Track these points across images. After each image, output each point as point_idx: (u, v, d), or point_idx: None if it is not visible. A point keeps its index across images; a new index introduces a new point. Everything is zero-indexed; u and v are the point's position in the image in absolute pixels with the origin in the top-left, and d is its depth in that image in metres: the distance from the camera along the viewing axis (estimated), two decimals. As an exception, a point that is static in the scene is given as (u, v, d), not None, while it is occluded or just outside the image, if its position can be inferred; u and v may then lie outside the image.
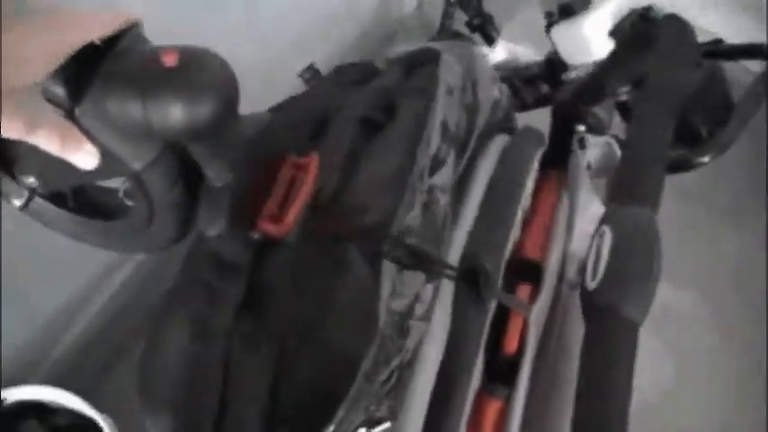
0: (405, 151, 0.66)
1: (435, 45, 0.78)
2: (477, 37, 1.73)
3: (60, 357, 1.35)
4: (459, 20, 1.80)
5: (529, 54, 1.55)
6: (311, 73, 1.33)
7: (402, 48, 0.85)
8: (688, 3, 1.10)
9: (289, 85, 0.94)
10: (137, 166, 0.54)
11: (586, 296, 0.52)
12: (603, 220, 0.55)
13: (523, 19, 1.81)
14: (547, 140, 0.86)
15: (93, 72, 0.49)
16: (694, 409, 1.55)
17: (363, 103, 0.71)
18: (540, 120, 0.94)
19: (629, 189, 0.56)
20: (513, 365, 0.67)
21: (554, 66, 1.31)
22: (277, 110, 0.73)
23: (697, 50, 0.65)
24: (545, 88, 1.38)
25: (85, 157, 0.53)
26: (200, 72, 0.50)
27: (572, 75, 1.25)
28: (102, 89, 0.49)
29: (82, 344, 1.38)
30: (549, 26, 1.23)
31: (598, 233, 0.55)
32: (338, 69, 0.81)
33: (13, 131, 0.48)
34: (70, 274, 1.31)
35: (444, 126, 0.69)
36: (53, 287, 1.28)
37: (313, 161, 0.61)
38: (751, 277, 1.74)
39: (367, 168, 0.66)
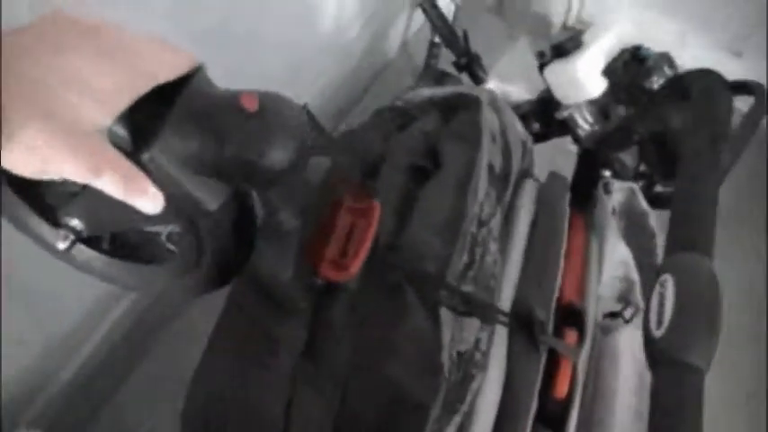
0: (456, 200, 0.67)
1: (470, 90, 0.79)
2: (464, 77, 1.76)
3: (53, 397, 1.32)
4: (447, 59, 1.82)
5: (518, 92, 1.57)
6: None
7: (428, 91, 0.86)
8: (671, 43, 1.14)
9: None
10: (212, 206, 0.53)
11: (652, 344, 0.53)
12: (665, 269, 0.56)
13: (511, 58, 1.85)
14: (569, 184, 0.88)
15: (159, 115, 0.48)
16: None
17: (408, 149, 0.72)
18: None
19: (686, 238, 0.58)
20: (560, 411, 0.67)
21: (546, 104, 1.34)
22: (319, 152, 0.73)
23: (730, 99, 0.67)
24: (536, 127, 1.40)
25: (151, 201, 0.50)
26: (279, 117, 0.50)
27: (565, 114, 1.27)
28: (180, 132, 0.49)
29: (70, 389, 1.35)
30: (541, 66, 1.25)
31: (659, 282, 0.56)
32: (377, 114, 0.82)
33: (76, 173, 0.44)
34: (62, 313, 1.28)
35: (491, 170, 0.70)
36: (46, 325, 1.25)
37: (375, 207, 0.61)
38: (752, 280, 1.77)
39: (420, 216, 0.66)
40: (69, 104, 0.42)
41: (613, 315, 0.82)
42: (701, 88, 0.68)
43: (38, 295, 1.13)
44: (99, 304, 1.34)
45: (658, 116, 0.80)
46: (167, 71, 0.47)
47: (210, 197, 0.53)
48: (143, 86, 0.46)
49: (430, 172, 0.72)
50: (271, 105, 0.49)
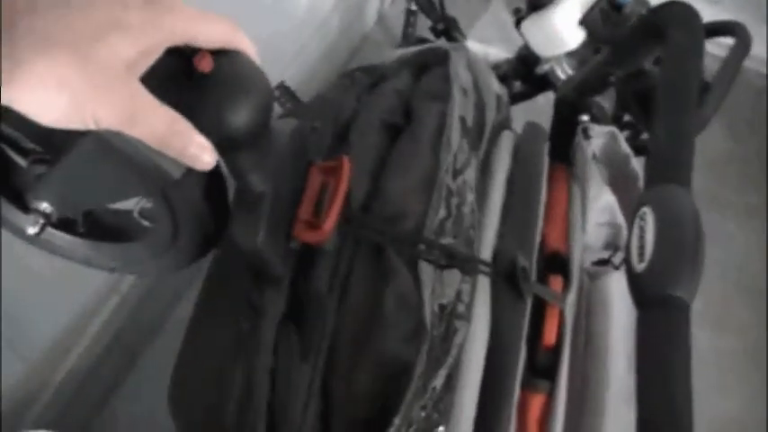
0: (429, 154, 0.66)
1: (441, 45, 0.78)
2: (442, 41, 1.74)
3: (51, 399, 1.32)
4: (423, 26, 1.81)
5: (498, 53, 1.56)
6: (282, 91, 1.32)
7: (399, 51, 0.85)
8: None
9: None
10: (176, 173, 0.50)
11: (635, 279, 0.52)
12: (643, 202, 0.55)
13: (489, 19, 1.83)
14: (547, 133, 0.87)
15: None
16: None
17: (380, 108, 0.71)
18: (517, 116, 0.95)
19: (663, 169, 0.57)
20: (551, 359, 0.67)
21: (526, 61, 1.32)
22: (296, 116, 0.72)
23: (701, 30, 0.66)
24: (518, 85, 1.39)
25: (200, 151, 0.46)
26: (236, 77, 0.48)
27: (545, 67, 1.26)
28: None
29: (72, 383, 1.35)
30: (518, 22, 1.24)
31: (638, 215, 0.55)
32: (346, 74, 0.81)
33: (110, 117, 0.40)
34: (53, 315, 1.27)
35: (463, 123, 0.69)
36: (40, 328, 1.24)
37: (345, 163, 0.60)
38: (753, 276, 1.77)
39: (394, 173, 0.65)
40: (98, 37, 0.39)
41: (602, 263, 0.81)
42: (672, 22, 0.67)
43: (22, 301, 1.13)
44: (89, 304, 1.34)
45: (633, 56, 0.78)
46: (205, 32, 0.45)
47: (174, 164, 0.51)
48: (177, 35, 0.43)
49: (402, 129, 0.70)
50: (227, 65, 0.47)
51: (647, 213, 0.53)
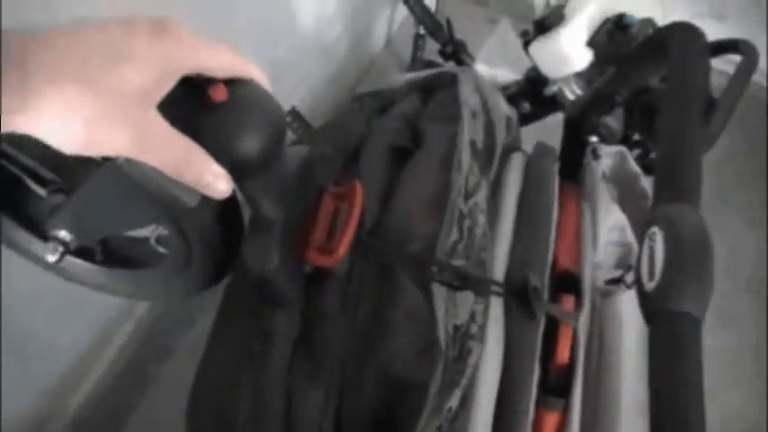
0: (439, 176, 0.67)
1: (449, 69, 0.79)
2: (451, 65, 1.76)
3: (67, 424, 1.32)
4: (432, 49, 1.82)
5: (506, 75, 1.57)
6: (293, 116, 1.34)
7: (408, 75, 0.86)
8: (651, 10, 1.13)
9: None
10: (191, 203, 0.50)
11: (646, 298, 0.53)
12: (652, 222, 0.56)
13: (496, 41, 1.84)
14: (558, 154, 0.88)
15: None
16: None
17: (389, 132, 0.72)
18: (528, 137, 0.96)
19: (671, 188, 0.57)
20: (564, 377, 0.67)
21: (534, 82, 1.34)
22: (307, 144, 0.73)
23: (708, 51, 0.67)
24: (526, 107, 1.40)
25: (215, 180, 0.47)
26: (249, 106, 0.49)
27: (554, 88, 1.27)
28: None
29: (88, 408, 1.35)
30: (526, 44, 1.25)
31: (648, 235, 0.55)
32: (355, 99, 0.82)
33: (125, 144, 0.41)
34: (70, 339, 1.28)
35: (473, 146, 0.70)
36: (54, 351, 1.25)
37: (357, 188, 0.61)
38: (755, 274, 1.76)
39: (403, 195, 0.66)
40: (109, 67, 0.39)
41: (614, 282, 0.82)
42: (675, 41, 0.68)
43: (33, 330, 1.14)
44: (104, 329, 1.35)
45: (638, 76, 0.79)
46: (213, 61, 0.46)
47: (189, 193, 0.52)
48: (186, 65, 0.44)
49: (411, 152, 0.71)
50: (240, 94, 0.48)
51: (656, 233, 0.54)
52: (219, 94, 0.47)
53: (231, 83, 0.48)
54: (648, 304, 0.53)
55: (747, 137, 1.89)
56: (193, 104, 0.47)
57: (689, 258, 0.51)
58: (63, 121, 0.38)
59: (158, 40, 0.42)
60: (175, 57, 0.43)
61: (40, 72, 0.37)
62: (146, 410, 1.43)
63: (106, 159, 0.47)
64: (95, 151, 0.41)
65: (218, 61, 0.47)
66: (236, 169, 0.49)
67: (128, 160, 0.44)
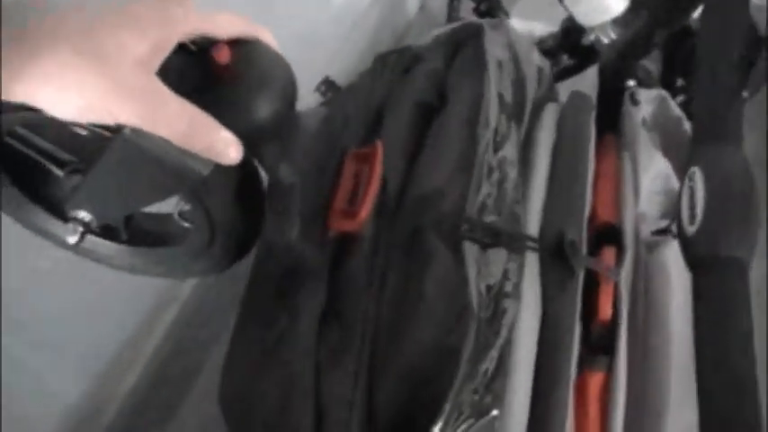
0: (466, 131, 0.64)
1: (475, 20, 0.76)
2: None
3: (117, 409, 1.34)
4: (468, 8, 1.78)
5: (543, 28, 1.52)
6: (327, 86, 1.31)
7: (435, 31, 0.83)
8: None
9: (303, 101, 0.92)
10: (204, 171, 0.49)
11: (688, 242, 0.50)
12: (692, 162, 0.52)
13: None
14: (595, 103, 0.84)
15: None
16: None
17: (415, 89, 0.70)
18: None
19: (710, 128, 0.54)
20: (607, 334, 0.64)
21: (571, 33, 1.29)
22: (327, 105, 0.71)
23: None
24: (565, 59, 1.36)
25: (225, 146, 0.46)
26: (255, 67, 0.47)
27: (591, 38, 1.22)
28: None
29: (137, 394, 1.37)
30: (559, -7, 1.20)
31: (688, 176, 0.52)
32: (379, 58, 0.79)
33: (124, 112, 0.40)
34: (115, 325, 1.29)
35: (501, 99, 0.67)
36: (100, 340, 1.26)
37: (377, 149, 0.59)
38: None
39: (431, 154, 0.64)
40: (107, 33, 0.38)
41: (661, 232, 0.78)
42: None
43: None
44: (146, 317, 1.36)
45: (676, 16, 0.75)
46: (218, 24, 0.45)
47: (200, 161, 0.50)
48: (191, 24, 0.43)
49: (438, 109, 0.69)
50: (245, 55, 0.47)
51: (696, 173, 0.51)
52: (224, 56, 0.45)
53: (235, 44, 0.46)
54: (691, 250, 0.50)
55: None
56: (197, 69, 0.45)
57: (732, 198, 0.48)
58: (59, 92, 0.38)
59: (160, 1, 0.41)
60: (178, 18, 0.42)
61: (38, 39, 0.37)
62: (199, 392, 1.44)
63: (114, 132, 0.46)
64: (96, 120, 0.40)
65: (223, 21, 0.45)
66: (249, 133, 0.48)
67: (134, 131, 0.43)
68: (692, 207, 0.50)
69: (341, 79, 1.25)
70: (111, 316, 1.26)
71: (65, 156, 0.58)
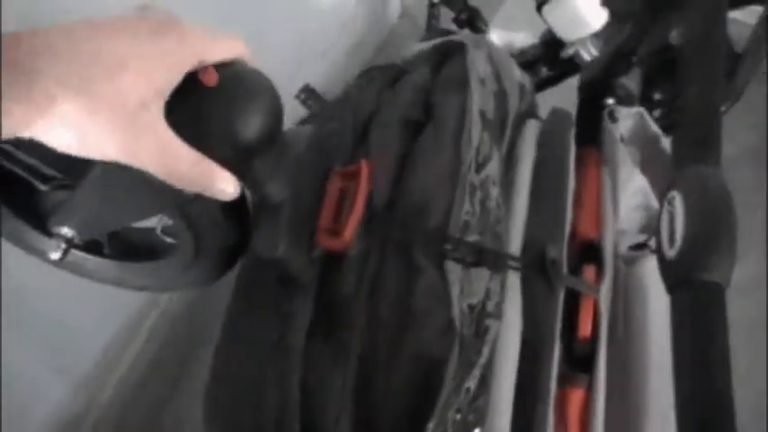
0: (451, 149, 0.65)
1: (457, 37, 0.77)
2: (466, 32, 1.72)
3: (99, 417, 1.33)
4: (447, 18, 1.79)
5: (523, 39, 1.53)
6: (307, 93, 1.31)
7: (418, 45, 0.83)
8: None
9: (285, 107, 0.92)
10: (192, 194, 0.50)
11: (667, 266, 0.51)
12: (671, 186, 0.53)
13: (511, 6, 1.80)
14: (574, 119, 0.85)
15: None
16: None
17: (400, 105, 0.70)
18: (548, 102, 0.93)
19: (690, 149, 0.55)
20: (588, 350, 0.65)
21: (551, 45, 1.30)
22: (310, 121, 0.71)
23: (724, 3, 0.63)
24: (544, 71, 1.37)
25: (222, 184, 0.47)
26: (242, 88, 0.48)
27: (571, 51, 1.23)
28: None
29: (120, 399, 1.36)
30: (539, 6, 1.21)
31: (667, 200, 0.53)
32: (364, 74, 0.80)
33: (117, 153, 0.41)
34: (100, 327, 1.28)
35: (483, 116, 0.68)
36: (85, 341, 1.26)
37: (363, 168, 0.59)
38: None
39: (416, 170, 0.64)
40: (107, 79, 0.39)
41: (639, 247, 0.80)
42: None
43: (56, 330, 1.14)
44: (131, 320, 1.35)
45: (656, 33, 0.76)
46: (215, 52, 0.45)
47: None
48: (189, 63, 0.43)
49: (424, 125, 0.69)
50: (231, 76, 0.47)
51: (675, 197, 0.52)
52: (211, 78, 0.45)
53: (221, 65, 0.46)
54: (670, 273, 0.50)
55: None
56: (185, 92, 0.45)
57: (711, 223, 0.49)
58: (60, 136, 0.38)
59: (161, 42, 0.42)
60: (179, 56, 0.43)
61: (40, 80, 0.37)
62: (182, 397, 1.43)
63: None
64: (95, 157, 0.40)
65: (219, 51, 0.46)
66: (239, 153, 0.48)
67: None
68: (672, 231, 0.50)
69: (323, 84, 1.25)
70: (95, 318, 1.25)
71: (49, 171, 0.58)
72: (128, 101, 0.40)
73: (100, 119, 0.39)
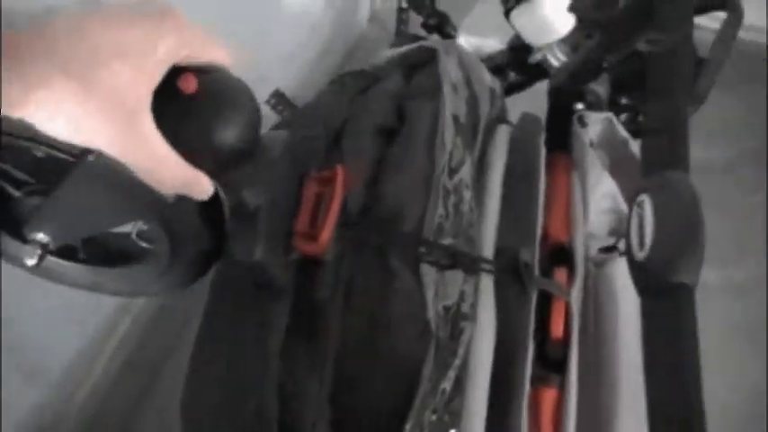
0: (424, 154, 0.65)
1: (429, 43, 0.78)
2: (435, 37, 1.73)
3: (72, 425, 1.32)
4: (416, 23, 1.79)
5: (492, 44, 1.55)
6: (278, 98, 1.31)
7: (389, 51, 0.84)
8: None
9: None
10: (169, 197, 0.50)
11: (637, 269, 0.52)
12: (640, 189, 0.54)
13: (480, 11, 1.82)
14: (544, 124, 0.86)
15: None
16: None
17: (372, 112, 0.71)
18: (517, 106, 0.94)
19: (659, 155, 0.56)
20: (560, 351, 0.66)
21: (519, 51, 1.31)
22: (284, 127, 0.71)
23: (691, 12, 0.65)
24: (512, 76, 1.38)
25: (204, 188, 0.49)
26: (221, 95, 0.48)
27: (538, 56, 1.25)
28: None
29: (92, 407, 1.35)
30: (507, 12, 1.23)
31: (636, 203, 0.54)
32: (336, 81, 0.80)
33: (112, 151, 0.42)
34: (73, 329, 1.27)
35: (456, 120, 0.68)
36: (56, 343, 1.24)
37: (339, 173, 0.60)
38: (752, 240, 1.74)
39: (390, 176, 0.65)
40: (106, 69, 0.39)
41: (608, 249, 0.81)
42: (662, 2, 0.66)
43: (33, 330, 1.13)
44: (101, 326, 1.34)
45: (624, 40, 0.78)
46: (206, 53, 0.46)
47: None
48: (182, 53, 0.44)
49: (396, 131, 0.70)
50: (210, 83, 0.47)
51: (645, 201, 0.53)
52: (191, 85, 0.45)
53: (200, 72, 0.46)
54: (640, 276, 0.52)
55: (735, 102, 1.86)
56: (163, 98, 0.45)
57: (680, 226, 0.50)
58: (48, 121, 0.39)
59: (162, 33, 0.42)
60: (176, 52, 0.43)
61: (37, 63, 0.37)
62: (154, 402, 1.42)
63: (77, 157, 0.46)
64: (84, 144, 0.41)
65: (209, 53, 0.46)
66: (217, 161, 0.48)
67: (98, 157, 0.43)
68: (642, 235, 0.51)
69: (291, 88, 1.25)
70: (63, 330, 1.24)
71: (22, 176, 0.57)
72: (124, 94, 0.40)
73: (92, 107, 0.39)
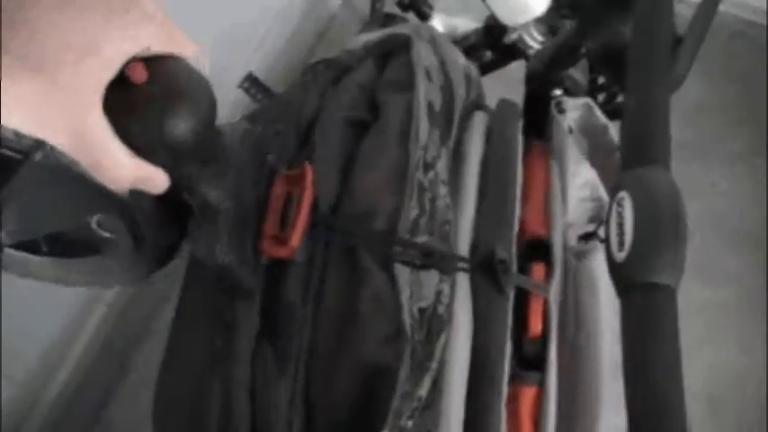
0: (397, 148, 0.63)
1: (402, 30, 0.75)
2: (410, 15, 1.70)
3: (45, 415, 1.30)
4: (392, 1, 1.76)
5: (467, 24, 1.52)
6: (250, 82, 1.29)
7: (364, 37, 0.81)
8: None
9: (228, 97, 0.88)
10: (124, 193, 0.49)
11: (617, 268, 0.50)
12: (619, 186, 0.53)
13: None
14: (521, 111, 0.84)
15: None
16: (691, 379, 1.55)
17: (343, 105, 0.68)
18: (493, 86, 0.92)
19: (638, 150, 0.54)
20: (538, 348, 0.65)
21: (494, 30, 1.29)
22: (252, 120, 0.69)
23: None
24: (488, 55, 1.36)
25: (154, 181, 0.48)
26: (173, 84, 0.46)
27: (514, 36, 1.23)
28: None
29: (65, 397, 1.33)
30: (481, -9, 1.20)
31: (616, 200, 0.53)
32: (308, 69, 0.77)
33: (67, 148, 0.41)
34: (39, 332, 1.25)
35: (431, 110, 0.66)
36: (26, 346, 1.23)
37: (307, 173, 0.58)
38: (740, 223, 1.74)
39: (362, 170, 0.63)
40: (75, 61, 0.38)
41: (588, 236, 0.79)
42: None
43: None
44: (74, 316, 1.32)
45: (601, 26, 0.76)
46: (163, 45, 0.44)
47: None
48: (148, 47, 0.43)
49: (369, 124, 0.68)
50: (162, 72, 0.45)
51: (625, 198, 0.51)
52: (139, 75, 0.44)
53: (151, 61, 0.44)
54: (619, 276, 0.50)
55: (723, 85, 1.86)
56: (113, 90, 0.43)
57: (661, 225, 0.49)
58: (8, 114, 0.37)
59: (132, 22, 0.41)
60: (136, 40, 0.42)
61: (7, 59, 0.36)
62: (126, 392, 1.41)
63: (25, 155, 0.44)
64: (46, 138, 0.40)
65: (174, 46, 0.45)
66: (170, 155, 0.47)
67: (46, 155, 0.42)
68: (621, 233, 0.50)
69: (262, 72, 1.23)
70: (39, 315, 1.22)
71: None
72: (89, 87, 0.39)
73: (50, 101, 0.38)
